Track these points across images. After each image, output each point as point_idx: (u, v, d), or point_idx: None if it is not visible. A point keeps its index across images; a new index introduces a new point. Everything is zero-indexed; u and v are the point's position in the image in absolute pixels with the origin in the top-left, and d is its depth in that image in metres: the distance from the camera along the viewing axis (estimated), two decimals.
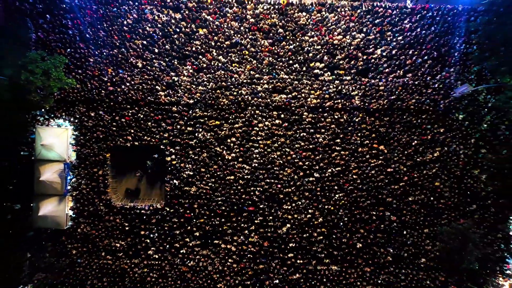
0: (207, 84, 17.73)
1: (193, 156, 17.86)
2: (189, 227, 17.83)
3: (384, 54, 17.67)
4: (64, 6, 17.46)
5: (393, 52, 17.65)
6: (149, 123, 17.80)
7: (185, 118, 17.82)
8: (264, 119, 17.79)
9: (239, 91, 17.72)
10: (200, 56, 17.79)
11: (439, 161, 17.74)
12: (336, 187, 17.78)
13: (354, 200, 17.80)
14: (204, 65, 17.82)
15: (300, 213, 17.80)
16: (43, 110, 17.47)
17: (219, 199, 17.76)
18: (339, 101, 17.62)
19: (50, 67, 16.17)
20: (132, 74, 17.71)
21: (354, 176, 17.71)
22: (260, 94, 17.71)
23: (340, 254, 17.73)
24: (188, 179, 17.83)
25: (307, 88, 17.71)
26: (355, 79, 17.77)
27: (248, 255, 17.70)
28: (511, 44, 16.60)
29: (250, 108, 17.77)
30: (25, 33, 17.56)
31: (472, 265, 16.79)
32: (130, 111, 17.75)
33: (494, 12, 16.99)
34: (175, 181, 17.80)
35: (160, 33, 17.76)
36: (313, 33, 17.70)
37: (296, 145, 17.83)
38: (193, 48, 17.77)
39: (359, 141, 17.72)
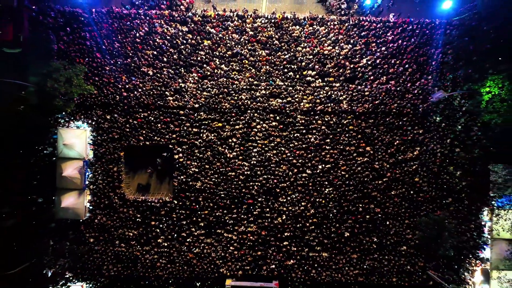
0: (211, 90, 19.75)
1: (198, 154, 19.90)
2: (194, 218, 19.91)
3: (369, 63, 19.67)
4: (83, 20, 19.52)
5: (377, 61, 19.63)
6: (159, 125, 19.88)
7: (191, 120, 19.87)
8: (261, 121, 19.81)
9: (240, 96, 19.74)
10: (205, 65, 19.82)
11: (419, 159, 19.77)
12: (326, 182, 19.82)
13: (343, 194, 19.83)
14: (208, 73, 19.86)
15: (294, 206, 19.83)
16: (64, 113, 19.52)
17: (222, 193, 19.82)
18: (329, 105, 19.63)
19: (72, 75, 18.23)
20: (143, 81, 19.75)
21: (343, 172, 19.75)
22: (258, 99, 19.71)
23: (330, 242, 19.79)
24: (194, 175, 19.89)
25: (300, 93, 19.71)
26: (343, 85, 19.76)
27: (248, 243, 19.77)
28: (482, 54, 18.69)
29: (249, 111, 19.78)
30: (48, 45, 19.65)
31: (448, 252, 18.81)
32: (142, 114, 19.83)
33: (467, 26, 19.04)
34: (182, 176, 19.88)
35: (169, 44, 19.77)
36: (305, 44, 19.71)
37: (290, 145, 19.85)
38: (198, 58, 19.80)
39: (347, 141, 19.76)
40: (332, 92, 19.66)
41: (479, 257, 19.23)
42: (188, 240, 19.79)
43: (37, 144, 19.54)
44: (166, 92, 19.71)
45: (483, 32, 18.34)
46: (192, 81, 19.81)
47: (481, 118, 18.66)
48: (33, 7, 19.43)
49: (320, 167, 19.75)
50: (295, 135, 19.76)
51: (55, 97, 18.09)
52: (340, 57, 19.69)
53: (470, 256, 19.33)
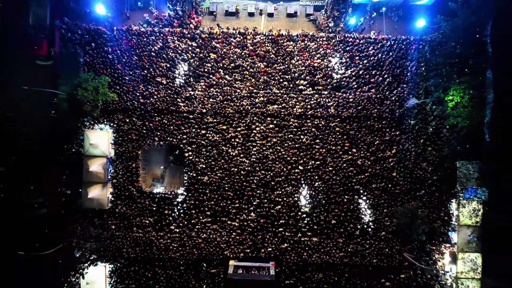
0: (216, 97, 22.54)
1: (205, 153, 22.75)
2: (202, 208, 22.67)
3: (353, 74, 22.48)
4: (105, 36, 22.42)
5: (360, 72, 22.44)
6: (171, 127, 22.73)
7: (199, 123, 22.72)
8: (260, 124, 22.58)
9: (241, 103, 22.53)
10: (211, 75, 22.63)
11: (395, 156, 22.51)
12: (316, 177, 22.64)
13: (330, 187, 22.62)
14: (214, 82, 22.66)
15: (288, 197, 22.81)
16: (90, 117, 22.47)
17: (226, 186, 22.64)
18: (318, 110, 22.55)
19: (98, 85, 21.07)
20: (158, 89, 22.53)
21: (330, 168, 22.53)
22: (257, 105, 22.56)
23: (319, 228, 22.66)
24: (201, 171, 22.74)
25: (293, 100, 22.46)
26: (330, 93, 22.54)
27: (248, 229, 22.64)
28: (450, 66, 21.63)
29: (249, 115, 22.57)
30: (76, 58, 22.63)
31: (421, 236, 21.50)
32: (157, 118, 22.62)
33: (436, 43, 21.97)
34: (191, 172, 22.83)
35: (180, 57, 22.68)
36: (298, 57, 22.52)
37: (285, 144, 22.61)
38: (205, 69, 22.59)
39: (333, 141, 22.70)
40: (321, 99, 22.57)
41: (447, 241, 22.20)
42: (196, 226, 22.68)
43: (66, 144, 22.38)
44: (178, 99, 22.58)
45: (449, 48, 21.37)
46: (200, 89, 22.70)
47: (448, 121, 21.57)
48: (63, 25, 22.44)
49: (310, 163, 22.66)
50: (289, 136, 22.65)
51: (84, 103, 21.12)
52: (328, 69, 22.57)
53: (440, 240, 22.31)
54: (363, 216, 22.73)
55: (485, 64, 21.08)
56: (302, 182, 22.67)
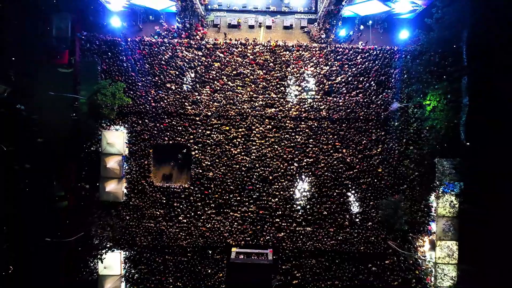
0: (220, 101, 24.99)
1: (210, 151, 25.11)
2: (207, 200, 25.07)
3: (342, 80, 25.02)
4: (121, 48, 24.90)
5: (349, 79, 24.92)
6: (180, 128, 25.20)
7: (205, 125, 25.23)
8: (259, 125, 25.02)
9: (242, 106, 24.93)
10: (215, 82, 25.03)
11: (381, 154, 24.90)
12: (309, 173, 25.20)
13: (322, 182, 25.05)
14: (218, 88, 24.98)
15: (284, 191, 25.23)
16: (107, 119, 24.97)
17: (228, 181, 25.08)
18: (312, 113, 25.04)
19: (115, 91, 23.64)
20: (167, 94, 24.96)
21: (322, 165, 24.91)
22: (257, 108, 25.05)
23: (312, 219, 25.07)
24: (207, 167, 25.16)
25: (289, 104, 24.96)
26: (322, 98, 24.96)
27: (248, 220, 25.11)
28: (430, 73, 24.04)
29: (249, 118, 25.02)
30: (94, 66, 25.14)
31: (403, 226, 24.04)
32: (167, 120, 25.07)
33: (419, 51, 24.35)
34: (197, 168, 25.24)
35: (187, 65, 25.12)
36: (293, 65, 25.00)
37: (282, 144, 24.97)
38: (210, 76, 24.97)
39: (325, 141, 25.16)
40: (314, 103, 25.11)
41: (427, 230, 24.66)
42: (202, 217, 25.09)
43: (85, 143, 24.79)
44: (185, 103, 25.00)
45: (428, 58, 23.82)
46: (205, 94, 25.13)
47: (427, 123, 23.98)
48: (83, 37, 24.94)
49: (305, 161, 25.18)
50: (285, 136, 25.04)
51: (103, 107, 23.67)
52: (320, 76, 25.10)
53: (421, 229, 24.72)
54: (351, 208, 25.16)
55: (460, 72, 23.58)
56: (297, 177, 25.18)
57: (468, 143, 23.92)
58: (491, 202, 23.46)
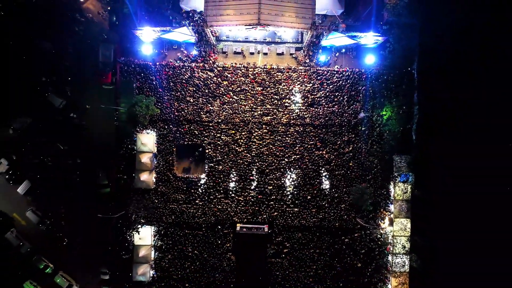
0: (227, 111, 32.18)
1: (220, 149, 32.19)
2: (218, 187, 32.36)
3: (322, 95, 32.21)
4: (151, 70, 31.97)
5: (327, 94, 31.96)
6: (196, 132, 32.31)
7: (216, 129, 32.33)
8: (258, 130, 32.08)
9: (245, 115, 31.91)
10: (224, 96, 32.18)
11: (352, 152, 32.08)
12: (296, 166, 32.28)
13: (306, 173, 32.22)
14: (226, 101, 32.08)
15: (277, 180, 32.37)
16: (141, 125, 32.06)
17: (234, 172, 32.32)
18: (298, 120, 32.11)
19: (148, 103, 30.83)
20: (187, 105, 32.11)
21: (306, 160, 32.08)
22: (256, 116, 32.13)
23: (299, 202, 32.08)
24: (217, 162, 32.35)
25: (281, 113, 32.09)
26: (307, 108, 32.10)
27: (250, 202, 32.18)
28: (389, 90, 31.12)
29: (250, 124, 32.11)
30: (130, 84, 32.23)
31: (368, 207, 31.17)
32: (186, 125, 32.24)
33: (380, 73, 31.42)
34: (210, 163, 32.34)
35: (202, 83, 32.28)
36: (284, 83, 32.12)
37: (275, 144, 32.14)
38: (220, 91, 32.13)
39: (308, 141, 32.31)
40: (300, 112, 32.25)
41: (387, 209, 31.78)
42: (214, 200, 32.14)
43: (124, 143, 31.83)
44: (201, 112, 32.09)
45: (387, 78, 30.94)
46: (216, 105, 32.19)
47: (386, 128, 31.25)
48: (122, 61, 32.06)
49: (293, 157, 32.29)
50: (278, 138, 32.17)
51: (138, 116, 30.81)
52: (305, 91, 32.23)
53: (382, 209, 31.88)
54: (329, 193, 32.27)
55: (412, 89, 30.80)
56: (287, 169, 32.34)
57: (417, 143, 31.16)
58: (435, 189, 30.65)
